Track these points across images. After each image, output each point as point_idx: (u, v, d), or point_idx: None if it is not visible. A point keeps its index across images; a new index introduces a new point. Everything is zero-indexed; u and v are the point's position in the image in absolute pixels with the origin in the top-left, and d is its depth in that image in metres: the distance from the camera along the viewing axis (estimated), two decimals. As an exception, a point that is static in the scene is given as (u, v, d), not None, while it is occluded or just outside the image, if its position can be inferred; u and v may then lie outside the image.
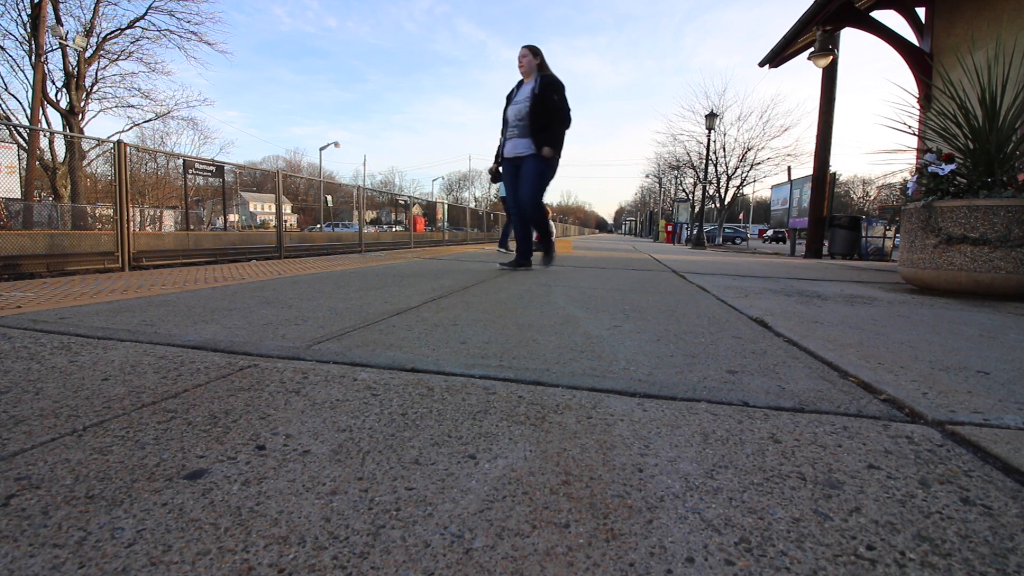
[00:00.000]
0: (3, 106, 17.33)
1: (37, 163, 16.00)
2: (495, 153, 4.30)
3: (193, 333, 1.47)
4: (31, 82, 16.28)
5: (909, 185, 3.28)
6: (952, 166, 2.99)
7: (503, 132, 4.11)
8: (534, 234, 4.20)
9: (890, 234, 9.23)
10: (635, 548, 0.54)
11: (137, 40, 18.81)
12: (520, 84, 4.08)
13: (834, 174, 9.29)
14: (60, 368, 1.11)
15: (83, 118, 17.86)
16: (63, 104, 17.39)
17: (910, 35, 7.40)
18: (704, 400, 1.02)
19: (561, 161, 4.00)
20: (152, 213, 17.44)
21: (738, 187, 22.78)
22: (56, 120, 17.96)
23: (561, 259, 5.64)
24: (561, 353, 1.35)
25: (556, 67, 4.00)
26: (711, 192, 21.96)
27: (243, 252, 10.82)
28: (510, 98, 4.07)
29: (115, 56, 18.65)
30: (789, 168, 18.19)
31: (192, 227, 15.87)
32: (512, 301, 2.26)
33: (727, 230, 28.42)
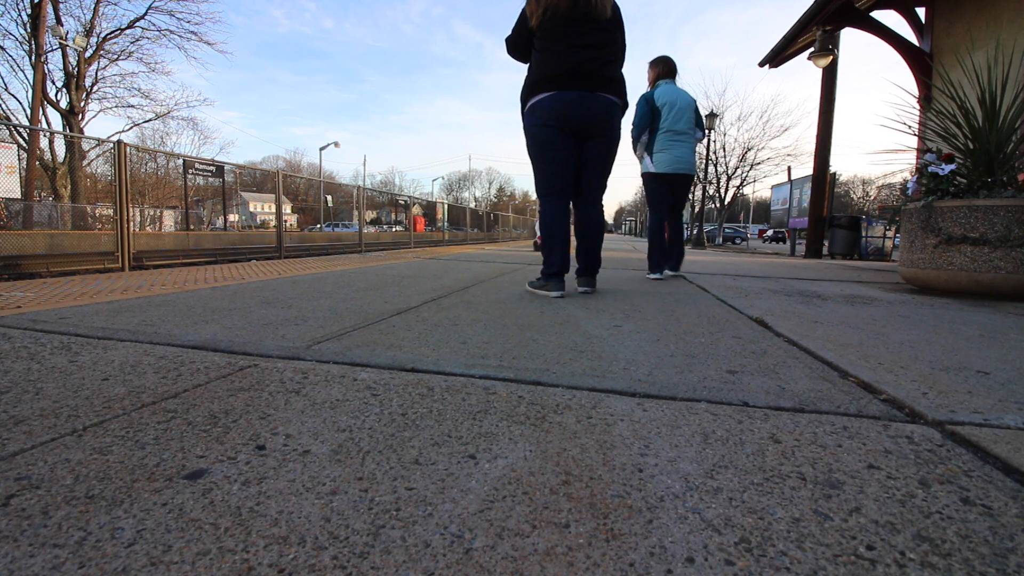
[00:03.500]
0: (3, 106, 17.33)
1: (37, 163, 15.99)
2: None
3: (193, 333, 1.47)
4: (31, 82, 16.28)
5: (909, 185, 3.27)
6: (952, 166, 2.99)
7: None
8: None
9: (890, 234, 9.23)
10: (635, 548, 0.54)
11: (137, 40, 18.82)
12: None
13: (834, 174, 9.30)
14: (60, 368, 1.11)
15: (83, 118, 17.86)
16: (63, 104, 17.39)
17: (910, 35, 7.40)
18: (704, 400, 1.02)
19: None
20: (152, 213, 17.44)
21: (738, 187, 22.80)
22: (56, 120, 17.98)
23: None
24: (561, 353, 1.35)
25: None
26: (711, 192, 21.97)
27: (243, 252, 10.82)
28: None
29: (115, 56, 18.66)
30: (789, 168, 18.20)
31: (192, 227, 15.87)
32: (512, 301, 2.26)
33: (727, 230, 28.43)
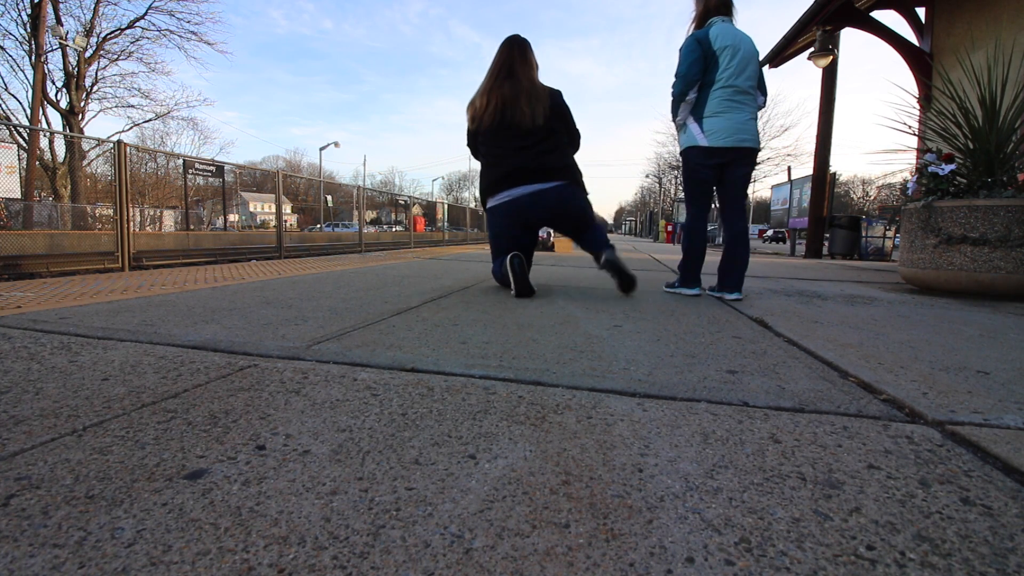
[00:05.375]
0: (3, 106, 17.33)
1: (37, 163, 15.99)
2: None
3: (193, 333, 1.47)
4: (31, 82, 16.27)
5: (909, 185, 3.28)
6: (952, 166, 2.99)
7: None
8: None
9: (890, 234, 9.24)
10: (635, 548, 0.54)
11: (137, 40, 18.81)
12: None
13: (834, 174, 9.30)
14: (60, 368, 1.11)
15: (83, 118, 17.85)
16: (63, 104, 17.39)
17: (910, 35, 7.40)
18: (704, 400, 1.02)
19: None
20: (152, 213, 17.43)
21: (738, 187, 22.75)
22: (56, 120, 17.98)
23: (561, 259, 5.64)
24: (561, 353, 1.35)
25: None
26: (711, 192, 21.88)
27: (243, 252, 10.82)
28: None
29: (115, 56, 18.65)
30: (789, 168, 18.19)
31: (192, 227, 15.86)
32: (512, 301, 2.26)
33: (727, 230, 28.35)
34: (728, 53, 2.48)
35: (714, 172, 2.60)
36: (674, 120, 2.69)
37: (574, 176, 2.60)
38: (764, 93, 2.64)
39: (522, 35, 2.62)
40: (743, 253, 2.61)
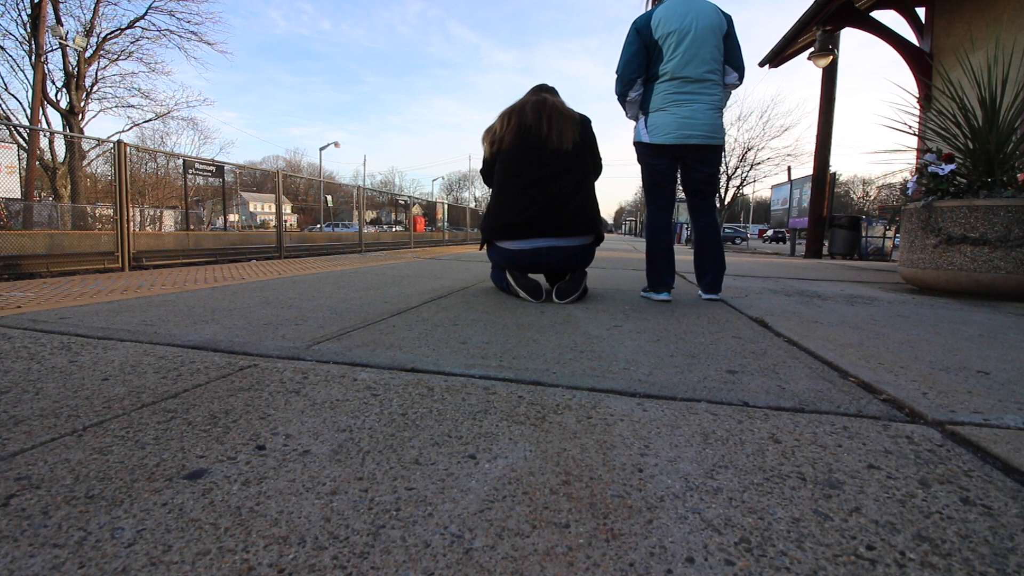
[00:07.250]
0: (3, 106, 17.33)
1: (37, 163, 15.99)
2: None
3: (193, 333, 1.47)
4: (31, 82, 16.28)
5: (909, 185, 3.28)
6: (952, 166, 2.99)
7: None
8: None
9: (890, 234, 9.25)
10: (635, 548, 0.54)
11: (137, 40, 18.83)
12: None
13: (834, 174, 9.30)
14: (60, 368, 1.11)
15: (83, 118, 17.86)
16: (63, 104, 17.39)
17: (910, 35, 7.40)
18: (704, 400, 1.02)
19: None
20: (152, 213, 17.42)
21: (738, 187, 22.79)
22: (56, 120, 17.99)
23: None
24: (561, 353, 1.35)
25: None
26: (712, 191, 21.84)
27: (243, 252, 10.81)
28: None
29: (115, 56, 18.66)
30: (789, 168, 18.18)
31: (192, 227, 15.86)
32: (512, 301, 2.26)
33: (727, 230, 28.47)
34: (673, 40, 2.24)
35: (669, 168, 2.44)
36: (627, 115, 2.53)
37: (596, 228, 2.39)
38: (737, 68, 2.36)
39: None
40: (712, 254, 2.48)
